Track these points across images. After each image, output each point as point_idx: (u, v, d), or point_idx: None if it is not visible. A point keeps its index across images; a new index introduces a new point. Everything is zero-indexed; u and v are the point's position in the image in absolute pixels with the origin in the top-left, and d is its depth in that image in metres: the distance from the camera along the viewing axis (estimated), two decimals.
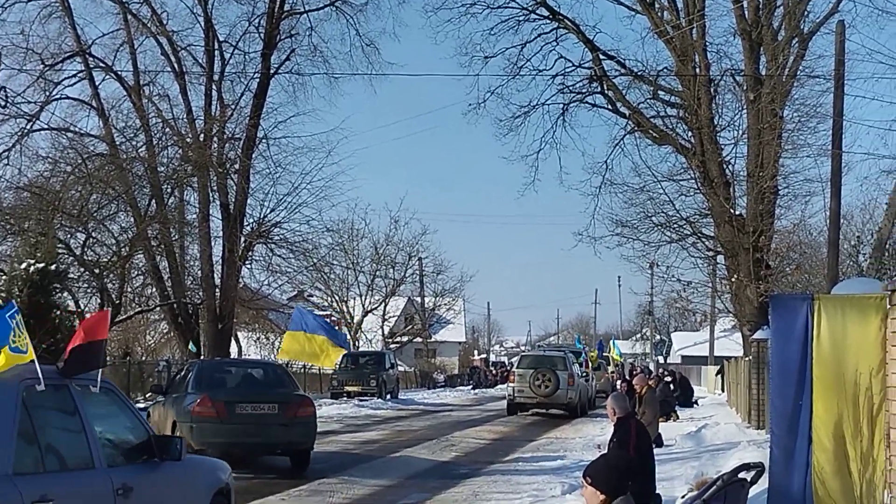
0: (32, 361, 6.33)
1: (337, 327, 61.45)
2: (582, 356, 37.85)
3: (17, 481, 5.81)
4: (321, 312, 58.72)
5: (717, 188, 23.71)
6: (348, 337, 21.50)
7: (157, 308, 30.91)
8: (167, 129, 28.97)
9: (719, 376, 46.49)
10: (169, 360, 34.74)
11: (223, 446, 14.87)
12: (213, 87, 29.21)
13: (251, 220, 29.66)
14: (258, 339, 47.87)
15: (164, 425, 16.24)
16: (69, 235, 27.27)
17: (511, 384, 31.40)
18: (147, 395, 26.16)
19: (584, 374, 34.84)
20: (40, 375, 6.36)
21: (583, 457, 17.40)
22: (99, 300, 27.74)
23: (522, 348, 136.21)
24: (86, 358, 6.87)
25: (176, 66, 28.98)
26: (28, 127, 27.41)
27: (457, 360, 79.34)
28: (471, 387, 60.27)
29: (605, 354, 49.86)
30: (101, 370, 7.10)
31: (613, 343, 53.01)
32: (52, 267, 23.37)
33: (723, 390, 43.02)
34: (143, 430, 7.54)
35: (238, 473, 15.49)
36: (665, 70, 25.88)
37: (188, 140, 28.70)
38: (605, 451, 9.37)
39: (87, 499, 6.49)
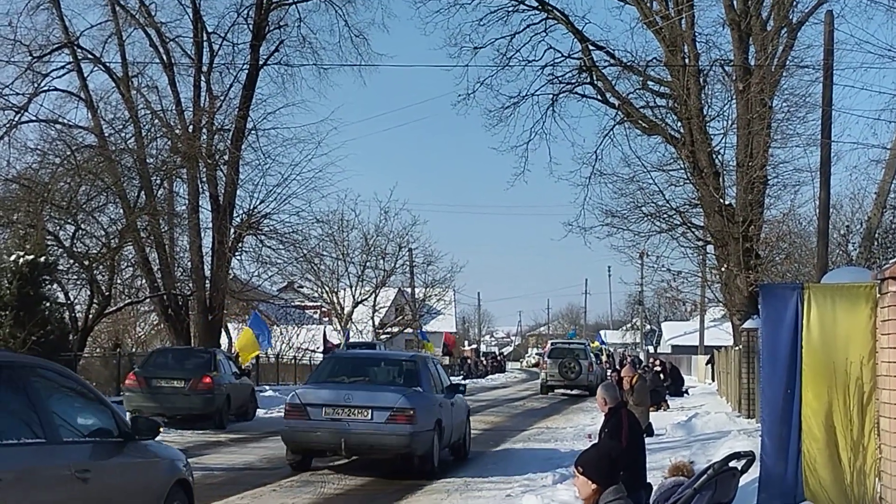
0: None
1: (327, 318, 61.66)
2: (597, 348, 46.06)
3: (436, 395, 14.86)
4: (311, 304, 58.78)
5: (706, 178, 23.73)
6: (270, 348, 28.38)
7: (147, 300, 30.81)
8: (156, 121, 28.87)
9: (709, 366, 46.63)
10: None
11: (145, 409, 18.81)
12: (202, 78, 29.12)
13: (241, 212, 29.64)
14: None
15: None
16: (58, 227, 27.15)
17: (543, 370, 41.34)
18: None
19: (598, 361, 43.71)
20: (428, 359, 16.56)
21: (574, 446, 17.47)
22: (88, 292, 27.64)
23: (512, 338, 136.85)
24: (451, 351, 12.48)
25: (164, 57, 28.87)
26: (16, 119, 27.29)
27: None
28: (461, 377, 60.36)
29: (602, 346, 51.73)
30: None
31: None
32: (42, 259, 23.35)
33: (713, 379, 43.15)
34: (448, 381, 16.40)
35: (231, 465, 15.54)
36: (654, 60, 25.85)
37: (177, 131, 28.61)
38: (597, 441, 9.40)
39: (444, 406, 14.90)
